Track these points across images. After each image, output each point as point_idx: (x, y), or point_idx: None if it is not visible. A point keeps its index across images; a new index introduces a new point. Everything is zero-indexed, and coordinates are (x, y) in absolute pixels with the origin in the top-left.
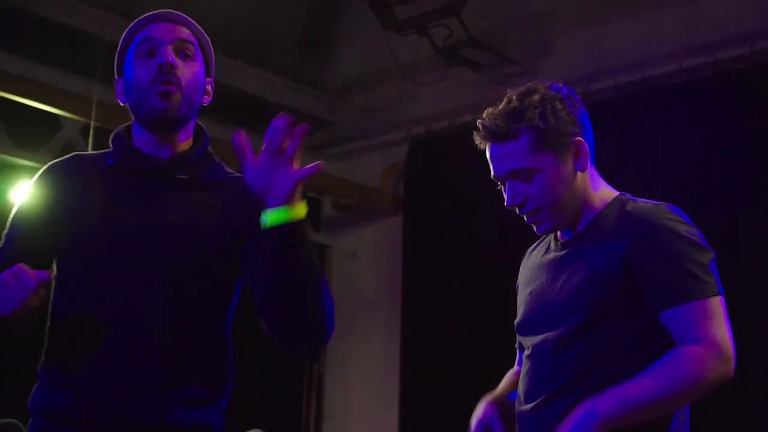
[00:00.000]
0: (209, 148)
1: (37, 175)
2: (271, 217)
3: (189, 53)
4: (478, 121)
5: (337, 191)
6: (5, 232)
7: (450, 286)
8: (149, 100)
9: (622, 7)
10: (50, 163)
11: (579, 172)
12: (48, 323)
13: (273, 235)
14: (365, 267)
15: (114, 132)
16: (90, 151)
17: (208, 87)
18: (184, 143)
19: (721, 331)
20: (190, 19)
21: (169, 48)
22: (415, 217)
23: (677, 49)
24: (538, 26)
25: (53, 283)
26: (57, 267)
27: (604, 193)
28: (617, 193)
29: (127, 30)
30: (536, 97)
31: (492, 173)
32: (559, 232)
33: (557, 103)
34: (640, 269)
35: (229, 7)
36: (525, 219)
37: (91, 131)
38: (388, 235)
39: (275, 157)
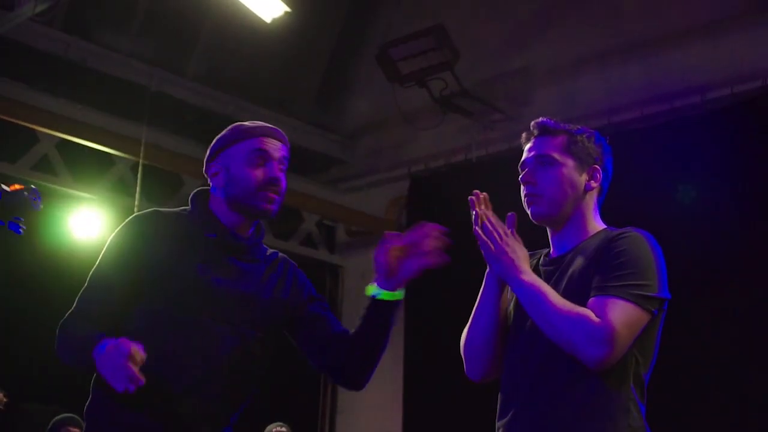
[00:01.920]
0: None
1: (131, 225)
2: (386, 294)
3: (283, 167)
4: (532, 122)
5: (349, 220)
6: (100, 274)
7: (447, 299)
8: (256, 200)
9: (591, 63)
10: (140, 216)
11: (586, 192)
12: None
13: (384, 307)
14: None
15: (196, 197)
16: (168, 209)
17: None
18: (252, 230)
19: (619, 322)
20: (286, 137)
21: (276, 165)
22: None
23: (638, 99)
24: (519, 80)
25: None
26: (139, 308)
27: (597, 224)
28: (605, 225)
29: (237, 129)
30: (579, 129)
31: (522, 160)
32: (550, 250)
33: (595, 140)
34: (598, 267)
35: (258, 63)
36: (525, 198)
37: (140, 168)
38: None
39: (413, 252)
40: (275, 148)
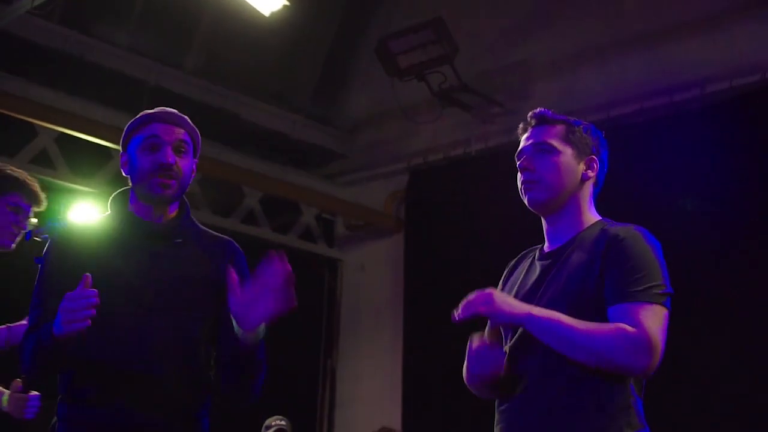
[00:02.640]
0: (191, 214)
1: (52, 244)
2: (242, 335)
3: (183, 150)
4: (529, 113)
5: (348, 213)
6: (40, 292)
7: (445, 293)
8: (150, 187)
9: (591, 56)
10: (60, 234)
11: (583, 181)
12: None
13: (242, 344)
14: (372, 277)
15: (113, 199)
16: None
17: (194, 167)
18: (173, 212)
19: (656, 327)
20: (186, 118)
21: (170, 148)
22: (414, 236)
23: (638, 93)
24: (518, 74)
25: None
26: None
27: (592, 216)
28: (601, 218)
29: (135, 119)
30: (572, 118)
31: (518, 150)
32: (545, 245)
33: (593, 131)
34: (605, 274)
35: (256, 57)
36: (522, 185)
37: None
38: (392, 250)
39: (261, 289)
40: (170, 132)
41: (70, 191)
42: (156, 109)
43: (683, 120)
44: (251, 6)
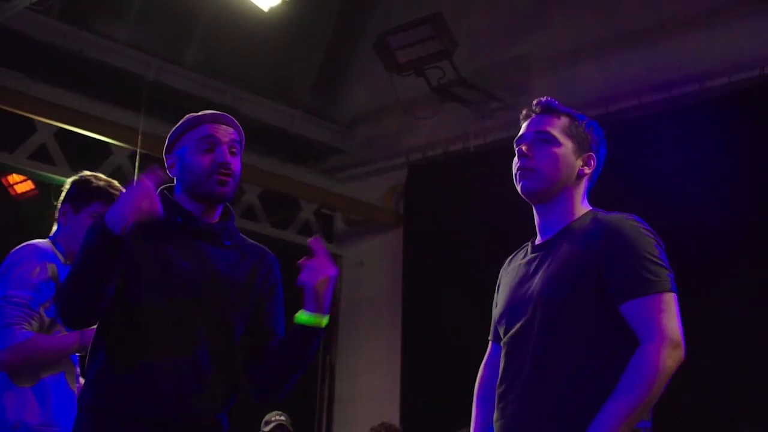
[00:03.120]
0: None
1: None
2: (308, 318)
3: (235, 151)
4: (535, 100)
5: (347, 208)
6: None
7: (444, 288)
8: (208, 185)
9: (589, 52)
10: None
11: (579, 177)
12: (106, 333)
13: (308, 332)
14: (371, 273)
15: (161, 193)
16: None
17: None
18: (218, 216)
19: (672, 322)
20: (236, 121)
21: (226, 148)
22: (413, 231)
23: (637, 87)
24: (517, 69)
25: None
26: (121, 290)
27: (584, 207)
28: (591, 208)
29: (186, 120)
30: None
31: (518, 137)
32: (537, 237)
33: (592, 125)
34: (605, 267)
35: (255, 52)
36: (517, 171)
37: (138, 157)
38: (391, 245)
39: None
40: (224, 132)
41: None
42: (202, 112)
43: (682, 115)
44: (250, 1)
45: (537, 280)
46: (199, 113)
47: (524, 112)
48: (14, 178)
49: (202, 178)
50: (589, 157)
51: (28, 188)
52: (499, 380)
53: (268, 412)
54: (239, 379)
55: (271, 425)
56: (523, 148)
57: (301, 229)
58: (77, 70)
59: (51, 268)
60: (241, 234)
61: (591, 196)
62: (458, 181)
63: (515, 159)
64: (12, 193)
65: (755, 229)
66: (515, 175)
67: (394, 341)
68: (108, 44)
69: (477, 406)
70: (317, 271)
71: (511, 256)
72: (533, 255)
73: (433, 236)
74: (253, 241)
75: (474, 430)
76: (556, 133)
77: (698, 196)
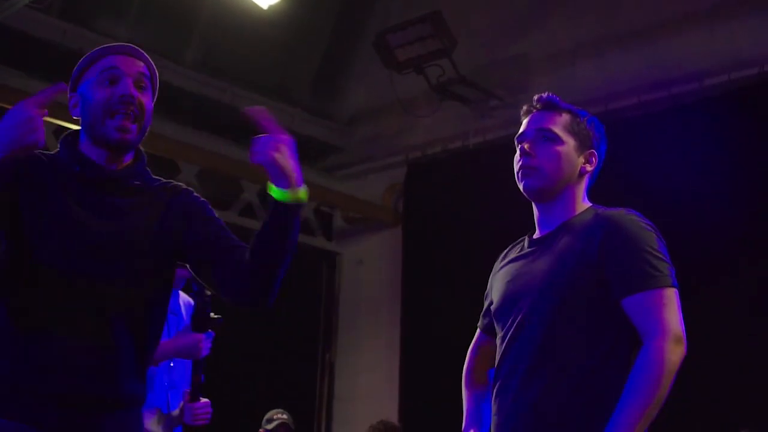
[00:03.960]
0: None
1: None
2: (281, 194)
3: (143, 85)
4: (536, 96)
5: (346, 207)
6: None
7: (443, 286)
8: (105, 129)
9: (589, 50)
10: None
11: (581, 174)
12: None
13: (282, 209)
14: (370, 271)
15: (64, 138)
16: (45, 152)
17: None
18: (128, 161)
19: (674, 317)
20: (145, 54)
21: (131, 80)
22: (413, 229)
23: (636, 86)
24: (517, 67)
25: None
26: (11, 243)
27: (584, 204)
28: (591, 204)
29: (89, 54)
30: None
31: (519, 133)
32: (536, 232)
33: (593, 122)
34: (606, 261)
35: (255, 51)
36: (520, 170)
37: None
38: (390, 244)
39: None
40: (129, 63)
41: None
42: (114, 44)
43: (682, 113)
44: (250, 0)
45: (535, 275)
46: (102, 46)
47: (525, 107)
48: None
49: (99, 117)
50: (591, 154)
51: None
52: (495, 375)
53: (268, 410)
54: (157, 337)
55: (274, 423)
56: (525, 146)
57: (301, 227)
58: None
59: None
60: (154, 177)
61: (591, 194)
62: (457, 179)
63: (516, 156)
64: None
65: (755, 226)
66: (517, 173)
67: (394, 339)
68: (108, 42)
69: (468, 389)
70: (269, 144)
71: (506, 250)
72: (531, 249)
73: (432, 234)
74: (164, 180)
75: (467, 412)
76: (558, 130)
77: (698, 194)
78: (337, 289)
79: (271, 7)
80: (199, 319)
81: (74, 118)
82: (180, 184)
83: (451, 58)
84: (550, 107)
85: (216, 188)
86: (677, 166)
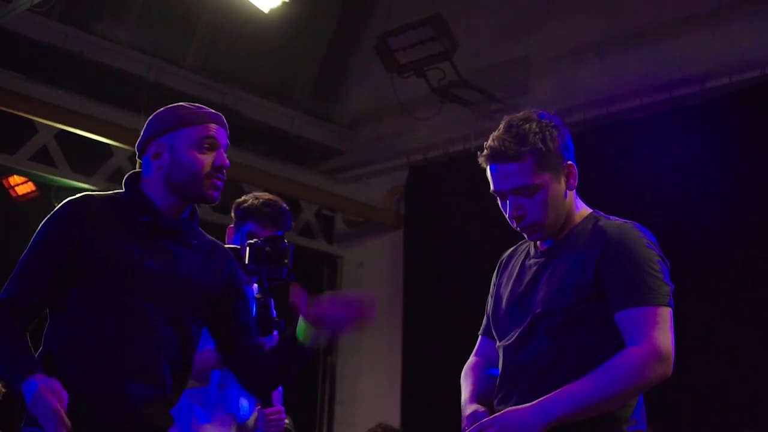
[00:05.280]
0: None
1: (62, 211)
2: (316, 338)
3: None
4: (486, 143)
5: (347, 209)
6: (31, 261)
7: (444, 289)
8: (204, 187)
9: (590, 52)
10: (73, 201)
11: (569, 191)
12: (57, 346)
13: (305, 348)
14: (371, 274)
15: (129, 180)
16: (100, 193)
17: None
18: (186, 213)
19: (664, 336)
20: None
21: (223, 151)
22: (414, 232)
23: (638, 88)
24: (518, 70)
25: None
26: (75, 292)
27: (582, 209)
28: (591, 210)
29: (185, 111)
30: (535, 124)
31: (493, 188)
32: (539, 241)
33: (553, 130)
34: (604, 276)
35: (256, 54)
36: (518, 228)
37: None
38: (391, 246)
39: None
40: (222, 135)
41: (70, 188)
42: (199, 107)
43: (682, 115)
44: (250, 3)
45: (539, 289)
46: (193, 107)
47: (481, 157)
48: (15, 179)
49: (198, 179)
50: (568, 168)
51: (29, 190)
52: (497, 386)
53: None
54: (188, 373)
55: None
56: (511, 210)
57: (302, 231)
58: (78, 71)
59: None
60: (201, 230)
61: (591, 197)
62: (459, 182)
63: (501, 207)
64: (13, 194)
65: (756, 228)
66: (514, 226)
67: (395, 342)
68: (109, 46)
69: (466, 380)
70: (349, 312)
71: (510, 251)
72: (535, 260)
73: (433, 237)
74: (212, 238)
75: (470, 393)
76: (532, 180)
77: (699, 196)
78: (337, 292)
79: (272, 10)
80: (262, 323)
81: (155, 164)
82: (225, 247)
83: (452, 61)
84: (511, 157)
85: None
86: (678, 168)
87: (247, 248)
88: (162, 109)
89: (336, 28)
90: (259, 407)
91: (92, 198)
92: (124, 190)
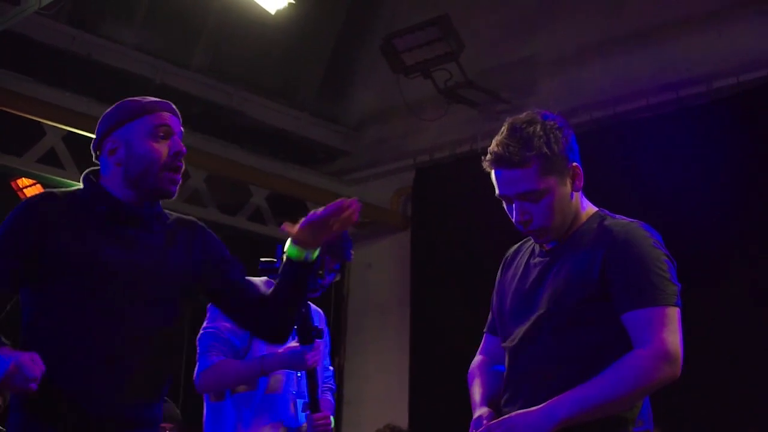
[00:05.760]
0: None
1: (25, 206)
2: (300, 252)
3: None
4: (489, 148)
5: None
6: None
7: (451, 290)
8: (160, 181)
9: (596, 52)
10: (33, 198)
11: (575, 192)
12: (27, 337)
13: (305, 267)
14: (379, 275)
15: (87, 177)
16: (61, 190)
17: None
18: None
19: (672, 336)
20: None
21: (178, 138)
22: (421, 233)
23: (644, 88)
24: (524, 70)
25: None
26: (38, 287)
27: (588, 208)
28: (596, 209)
29: (135, 103)
30: (539, 127)
31: (498, 193)
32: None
33: (557, 131)
34: (610, 276)
35: (262, 55)
36: (525, 232)
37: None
38: (398, 248)
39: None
40: (175, 122)
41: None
42: (148, 98)
43: (689, 116)
44: (257, 4)
45: (543, 288)
46: (145, 99)
47: (486, 162)
48: (23, 182)
49: (156, 169)
50: (574, 169)
51: (37, 192)
52: (504, 386)
53: None
54: (171, 359)
55: None
56: (517, 215)
57: None
58: (85, 73)
59: None
60: (166, 212)
61: (598, 198)
62: (466, 182)
63: (507, 210)
64: (21, 196)
65: (764, 229)
66: (521, 229)
67: (403, 343)
68: (115, 48)
69: (474, 380)
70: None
71: (516, 247)
72: (540, 259)
73: (440, 238)
74: (178, 215)
75: (481, 395)
76: (537, 185)
77: (706, 196)
78: (345, 293)
79: (278, 12)
80: (302, 331)
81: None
82: (194, 220)
83: (458, 62)
84: (516, 162)
85: (225, 193)
86: (685, 168)
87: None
88: (111, 107)
89: (342, 29)
90: (307, 412)
91: (52, 194)
92: (82, 185)
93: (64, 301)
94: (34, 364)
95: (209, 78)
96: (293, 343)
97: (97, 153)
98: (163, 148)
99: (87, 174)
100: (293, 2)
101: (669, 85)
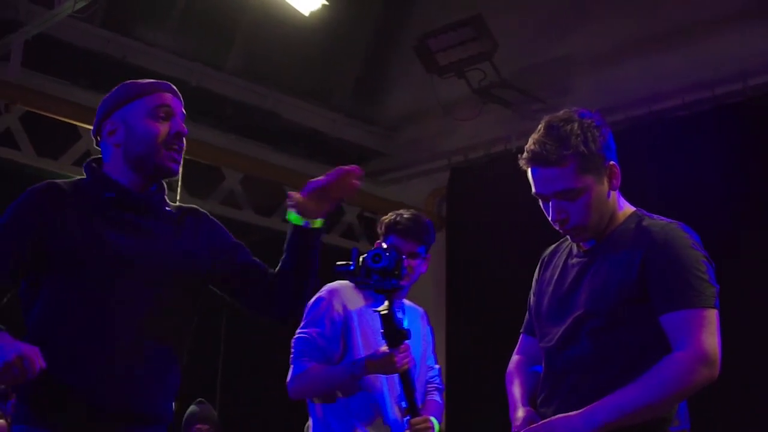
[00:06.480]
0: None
1: (27, 195)
2: (299, 219)
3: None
4: (526, 146)
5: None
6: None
7: (488, 291)
8: (161, 159)
9: (632, 50)
10: (35, 188)
11: (612, 191)
12: (33, 328)
13: (309, 233)
14: None
15: (89, 165)
16: (64, 180)
17: None
18: (154, 187)
19: (711, 339)
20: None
21: (179, 119)
22: (456, 233)
23: (680, 87)
24: (559, 69)
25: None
26: (46, 278)
27: (625, 208)
28: (634, 208)
29: (134, 85)
30: (576, 125)
31: (534, 191)
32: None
33: (594, 130)
34: (649, 277)
35: (296, 56)
36: (562, 232)
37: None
38: (434, 248)
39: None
40: (177, 104)
41: None
42: (154, 80)
43: (725, 113)
44: (290, 5)
45: (581, 290)
46: (146, 81)
47: (522, 159)
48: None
49: (154, 149)
50: (611, 168)
51: None
52: (540, 385)
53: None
54: (182, 347)
55: None
56: (554, 214)
57: (344, 233)
58: (120, 76)
59: (337, 305)
60: (169, 202)
61: (635, 196)
62: (500, 182)
63: (543, 209)
64: None
65: None
66: (558, 229)
67: (439, 344)
68: (150, 50)
69: (513, 381)
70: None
71: (553, 247)
72: (578, 260)
73: (476, 238)
74: (179, 204)
75: (521, 395)
76: (574, 184)
77: (745, 194)
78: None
79: (312, 13)
80: (389, 335)
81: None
82: (197, 207)
83: (492, 62)
84: (553, 161)
85: (260, 195)
86: (722, 167)
87: (355, 263)
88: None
89: (376, 30)
90: (408, 416)
91: (55, 184)
92: (85, 175)
93: (72, 291)
94: (36, 358)
95: (244, 80)
96: (383, 348)
97: (98, 138)
98: (163, 128)
99: (89, 162)
100: (327, 3)
101: (705, 82)
